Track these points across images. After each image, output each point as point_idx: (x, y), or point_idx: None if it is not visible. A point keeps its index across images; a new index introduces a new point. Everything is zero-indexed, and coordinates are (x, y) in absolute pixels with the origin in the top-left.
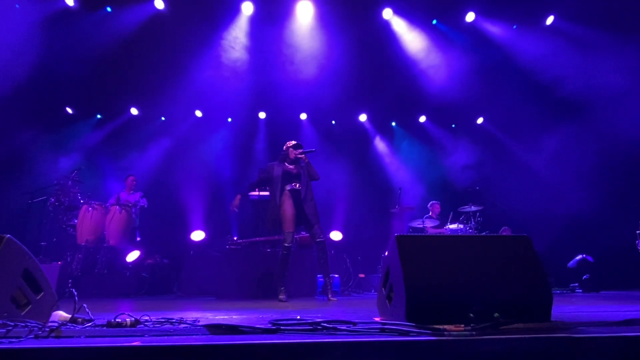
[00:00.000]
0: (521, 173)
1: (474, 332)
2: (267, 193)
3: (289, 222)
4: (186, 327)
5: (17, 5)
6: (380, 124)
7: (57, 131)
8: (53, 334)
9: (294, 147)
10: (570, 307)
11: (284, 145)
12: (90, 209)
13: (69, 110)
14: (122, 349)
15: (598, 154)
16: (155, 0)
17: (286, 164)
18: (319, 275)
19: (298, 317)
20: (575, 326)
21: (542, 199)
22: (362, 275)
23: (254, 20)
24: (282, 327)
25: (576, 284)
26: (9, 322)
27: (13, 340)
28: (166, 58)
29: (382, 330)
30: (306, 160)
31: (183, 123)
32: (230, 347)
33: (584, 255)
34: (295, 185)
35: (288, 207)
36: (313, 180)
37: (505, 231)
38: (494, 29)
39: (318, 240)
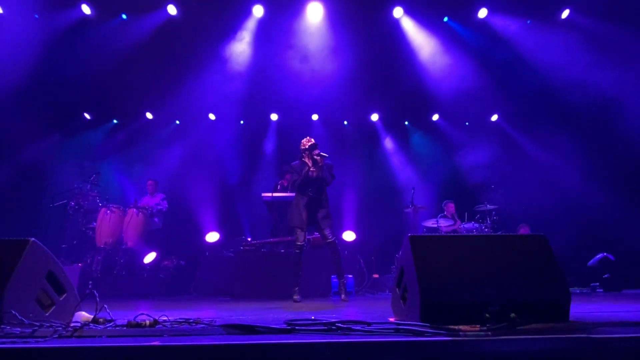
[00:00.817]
0: (539, 171)
1: (489, 333)
2: (280, 194)
3: (300, 217)
4: (203, 327)
5: (36, 16)
6: (392, 123)
7: (75, 136)
8: (76, 334)
9: (310, 147)
10: (590, 307)
11: (295, 146)
12: (108, 212)
13: (87, 116)
14: (142, 349)
15: (619, 151)
16: (168, 6)
17: (307, 166)
18: (333, 276)
19: (313, 318)
20: (594, 326)
21: (562, 196)
22: (376, 276)
23: (265, 23)
24: (297, 327)
25: (597, 283)
26: (35, 322)
27: (39, 339)
28: (180, 63)
29: (397, 331)
30: (321, 163)
31: (197, 126)
32: (246, 347)
33: (605, 254)
34: (310, 192)
35: (302, 209)
36: (325, 184)
37: (523, 228)
38: (507, 25)
39: (328, 241)
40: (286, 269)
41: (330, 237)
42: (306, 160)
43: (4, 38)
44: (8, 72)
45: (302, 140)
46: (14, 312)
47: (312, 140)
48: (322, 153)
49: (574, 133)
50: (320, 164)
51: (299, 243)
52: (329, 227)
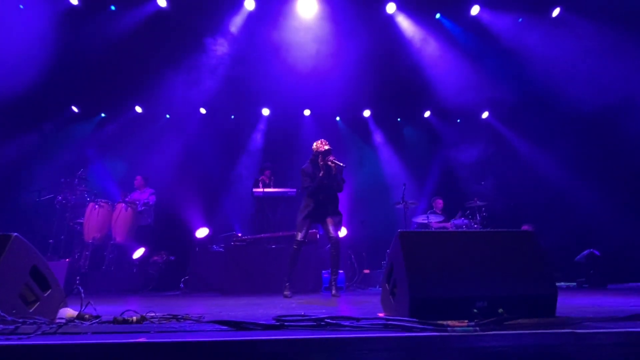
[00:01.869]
0: (528, 167)
1: (477, 328)
2: (271, 190)
3: (304, 221)
4: (191, 323)
5: (21, 6)
6: (384, 120)
7: (63, 129)
8: (61, 331)
9: (325, 153)
10: (576, 302)
11: (286, 141)
12: (96, 206)
13: (75, 109)
14: (128, 346)
15: (606, 148)
16: None
17: (318, 171)
18: (324, 272)
19: (303, 314)
20: (580, 321)
21: (550, 193)
22: (366, 271)
23: (257, 16)
24: (286, 323)
25: (583, 279)
26: (17, 319)
27: (22, 336)
28: (170, 56)
29: (386, 326)
30: (335, 172)
31: (188, 120)
32: (234, 343)
33: (591, 250)
34: (320, 197)
35: (307, 216)
36: (338, 190)
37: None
38: (499, 22)
39: (331, 236)
40: (277, 265)
41: (334, 234)
42: (320, 163)
43: None
44: None
45: (316, 143)
46: None
47: (327, 144)
48: (337, 162)
49: (563, 130)
50: (334, 172)
51: (298, 239)
52: (337, 229)
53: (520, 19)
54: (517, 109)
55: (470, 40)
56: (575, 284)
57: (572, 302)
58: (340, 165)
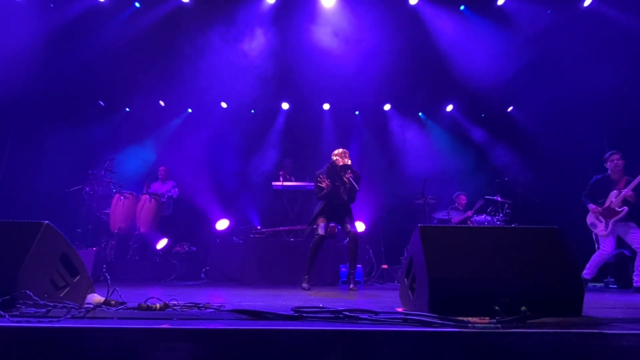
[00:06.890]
0: (554, 164)
1: (499, 325)
2: (289, 183)
3: (320, 218)
4: (212, 311)
5: (51, 5)
6: (406, 114)
7: (90, 123)
8: (89, 315)
9: (342, 168)
10: (603, 302)
11: (305, 135)
12: (122, 197)
13: (101, 103)
14: (151, 331)
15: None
16: None
17: (333, 180)
18: (342, 265)
19: (321, 305)
20: (607, 322)
21: (580, 190)
22: (385, 266)
23: (278, 9)
24: (304, 314)
25: (612, 279)
26: (49, 303)
27: (53, 319)
28: (193, 50)
29: (405, 321)
30: (349, 185)
31: (209, 114)
32: (253, 332)
33: (621, 249)
34: (335, 201)
35: (324, 213)
36: (349, 202)
37: None
38: (526, 13)
39: (347, 231)
40: (295, 257)
41: (351, 229)
42: (326, 180)
43: (21, 25)
44: (24, 60)
45: (336, 151)
46: (28, 292)
47: (348, 158)
48: (352, 181)
49: (594, 125)
50: (348, 186)
51: (319, 233)
52: (353, 225)
53: (549, 11)
54: (542, 103)
55: (495, 32)
56: (602, 284)
57: (599, 302)
58: (355, 186)
